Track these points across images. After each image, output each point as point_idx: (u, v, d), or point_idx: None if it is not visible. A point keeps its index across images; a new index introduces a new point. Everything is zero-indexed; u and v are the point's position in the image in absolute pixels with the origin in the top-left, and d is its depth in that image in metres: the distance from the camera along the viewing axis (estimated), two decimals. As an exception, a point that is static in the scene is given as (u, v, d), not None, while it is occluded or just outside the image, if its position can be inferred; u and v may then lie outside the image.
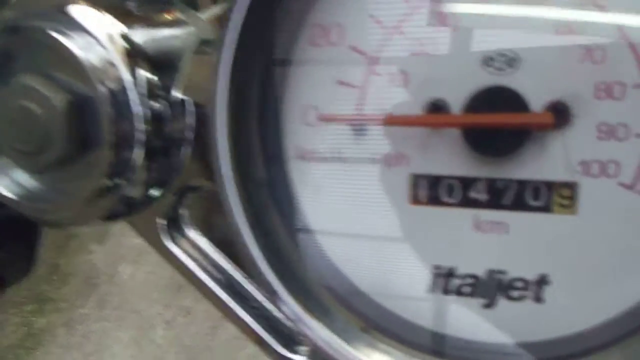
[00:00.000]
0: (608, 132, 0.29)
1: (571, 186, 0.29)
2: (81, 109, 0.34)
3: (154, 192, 0.37)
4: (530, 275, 0.29)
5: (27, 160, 0.34)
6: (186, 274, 0.38)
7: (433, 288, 0.29)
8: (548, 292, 0.28)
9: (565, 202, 0.29)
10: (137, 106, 0.34)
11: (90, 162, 0.35)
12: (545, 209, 0.29)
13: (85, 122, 0.34)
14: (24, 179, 0.35)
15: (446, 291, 0.29)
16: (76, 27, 0.33)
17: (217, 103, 0.30)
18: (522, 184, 0.29)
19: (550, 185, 0.29)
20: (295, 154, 0.32)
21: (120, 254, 1.92)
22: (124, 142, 0.35)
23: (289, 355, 0.36)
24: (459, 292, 0.29)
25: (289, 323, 0.35)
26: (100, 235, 1.95)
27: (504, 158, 0.30)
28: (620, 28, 0.28)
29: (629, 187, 0.29)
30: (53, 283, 1.89)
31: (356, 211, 0.31)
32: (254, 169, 0.31)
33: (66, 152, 0.34)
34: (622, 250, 0.28)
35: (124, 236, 1.94)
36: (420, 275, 0.30)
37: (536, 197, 0.29)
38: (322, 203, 0.32)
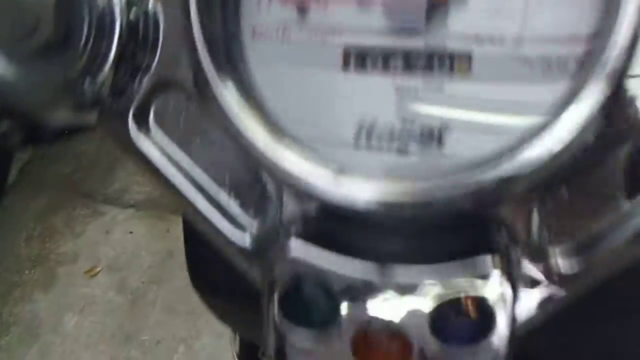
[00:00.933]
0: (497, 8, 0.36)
1: (468, 54, 0.37)
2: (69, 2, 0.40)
3: (123, 90, 0.42)
4: (435, 124, 0.34)
5: (9, 45, 0.39)
6: (152, 171, 0.42)
7: (357, 138, 0.34)
8: (449, 138, 0.33)
9: (464, 67, 0.36)
10: (118, 6, 0.41)
11: (66, 54, 0.41)
12: (449, 72, 0.36)
13: (69, 14, 0.40)
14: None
15: (368, 139, 0.34)
16: None
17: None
18: (431, 52, 0.36)
19: (452, 54, 0.37)
20: (249, 32, 0.39)
21: (65, 304, 1.88)
22: (101, 39, 0.41)
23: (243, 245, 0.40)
24: (379, 141, 0.34)
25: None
26: (46, 283, 1.92)
27: (418, 30, 0.37)
28: None
29: (513, 54, 0.36)
30: (-8, 333, 1.82)
31: (299, 77, 0.38)
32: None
33: (50, 39, 0.40)
34: (506, 103, 0.35)
35: (71, 286, 1.91)
36: (347, 127, 0.35)
37: (441, 63, 0.37)
38: (271, 75, 0.38)
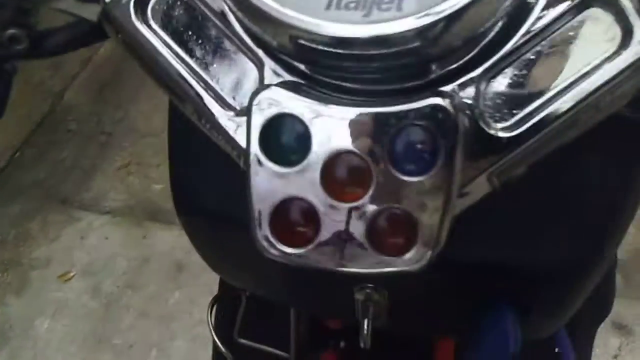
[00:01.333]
0: None
1: None
2: None
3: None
4: None
5: None
6: (151, 60, 0.45)
7: (328, 7, 0.37)
8: (406, 4, 0.36)
9: None
10: None
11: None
12: None
13: None
14: None
15: (338, 8, 0.37)
16: None
17: None
18: None
19: None
20: None
21: (38, 308, 1.87)
22: None
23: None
24: (347, 7, 0.38)
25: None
26: (18, 287, 1.91)
27: None
28: None
29: None
30: (-39, 336, 1.80)
31: None
32: None
33: None
34: None
35: (43, 290, 1.90)
36: None
37: None
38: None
